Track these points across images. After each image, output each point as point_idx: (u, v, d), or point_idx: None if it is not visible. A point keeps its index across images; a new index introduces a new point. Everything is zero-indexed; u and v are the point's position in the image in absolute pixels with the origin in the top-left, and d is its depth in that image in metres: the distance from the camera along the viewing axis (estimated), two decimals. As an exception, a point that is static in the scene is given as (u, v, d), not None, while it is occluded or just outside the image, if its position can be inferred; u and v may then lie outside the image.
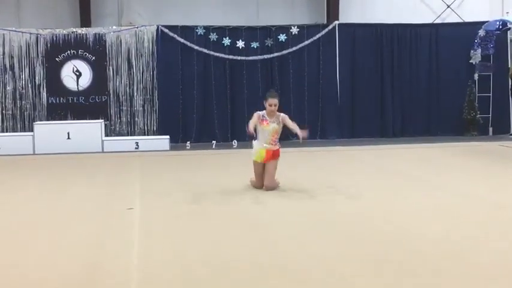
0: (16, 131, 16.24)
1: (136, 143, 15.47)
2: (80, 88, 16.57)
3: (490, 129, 17.65)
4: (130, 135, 16.49)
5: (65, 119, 16.30)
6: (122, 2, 18.65)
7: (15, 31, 16.49)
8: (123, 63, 16.63)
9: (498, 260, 5.37)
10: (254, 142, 9.35)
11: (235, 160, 13.38)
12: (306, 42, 17.05)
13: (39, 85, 16.46)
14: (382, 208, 7.76)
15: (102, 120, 16.11)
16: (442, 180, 9.96)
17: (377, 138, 17.05)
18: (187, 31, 16.83)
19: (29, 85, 16.42)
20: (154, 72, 16.69)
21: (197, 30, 16.79)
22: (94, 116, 16.26)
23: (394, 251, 5.72)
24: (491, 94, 17.61)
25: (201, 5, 18.66)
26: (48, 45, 16.44)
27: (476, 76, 17.44)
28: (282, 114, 9.33)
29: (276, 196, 8.65)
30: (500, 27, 17.10)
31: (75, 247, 6.06)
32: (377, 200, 8.28)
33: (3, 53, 16.35)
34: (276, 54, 16.93)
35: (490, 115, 17.62)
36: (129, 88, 16.66)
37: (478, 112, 17.28)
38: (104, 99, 16.61)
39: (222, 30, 16.92)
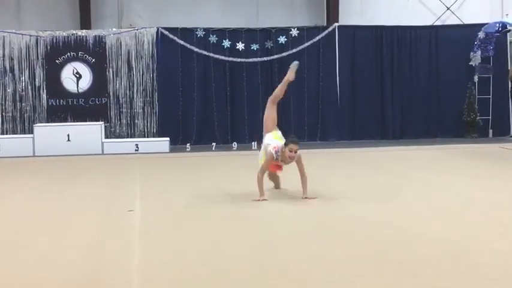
0: (16, 133, 16.22)
1: (136, 145, 15.46)
2: (80, 90, 16.57)
3: (490, 131, 17.64)
4: (130, 137, 16.48)
5: (65, 121, 16.29)
6: (122, 4, 18.65)
7: (15, 33, 16.49)
8: (123, 65, 16.63)
9: (499, 261, 5.36)
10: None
11: (235, 162, 13.39)
12: (306, 44, 17.05)
13: (39, 87, 16.45)
14: (382, 209, 7.76)
15: (102, 122, 16.10)
16: (443, 181, 9.96)
17: (377, 140, 17.04)
18: (187, 33, 16.83)
19: (29, 87, 16.41)
20: (154, 74, 16.68)
21: (197, 32, 16.80)
22: (94, 118, 16.25)
23: (395, 251, 5.72)
24: (491, 96, 17.60)
25: (201, 7, 18.65)
26: (48, 47, 16.44)
27: (476, 78, 17.44)
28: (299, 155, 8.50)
29: (276, 197, 8.65)
30: (500, 29, 17.10)
31: (75, 248, 6.06)
32: (377, 201, 8.28)
33: (3, 55, 16.34)
34: (275, 56, 16.93)
35: (490, 117, 17.62)
36: (129, 90, 16.66)
37: (478, 114, 17.28)
38: (103, 101, 16.61)
39: (222, 32, 16.92)
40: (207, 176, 11.12)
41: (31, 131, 15.72)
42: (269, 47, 17.03)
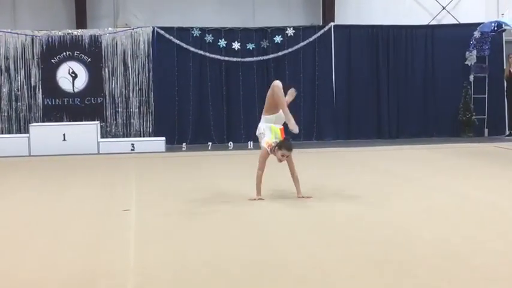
0: (12, 133, 16.19)
1: (132, 144, 15.44)
2: (76, 90, 16.55)
3: (486, 130, 17.68)
4: (126, 136, 16.47)
5: (61, 120, 16.28)
6: (118, 3, 18.62)
7: (10, 32, 16.46)
8: (119, 64, 16.61)
9: (496, 261, 5.37)
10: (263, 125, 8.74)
11: (231, 161, 13.40)
12: (302, 44, 17.05)
13: (35, 87, 16.43)
14: (379, 209, 7.77)
15: (98, 121, 16.08)
16: (439, 181, 9.97)
17: (373, 140, 17.05)
18: (183, 33, 16.82)
19: (25, 87, 16.39)
20: (150, 74, 16.67)
21: (193, 32, 16.79)
22: (90, 118, 16.24)
23: (392, 251, 5.72)
24: (486, 95, 17.63)
25: (196, 6, 18.64)
26: (44, 46, 16.42)
27: (471, 77, 17.46)
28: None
29: (274, 197, 8.64)
30: (496, 28, 17.11)
31: (71, 248, 6.04)
32: (374, 201, 8.28)
33: (-1, 55, 16.35)
34: (271, 55, 16.93)
35: (486, 116, 17.65)
36: (125, 90, 16.65)
37: (474, 113, 17.30)
38: (99, 101, 16.59)
39: (217, 32, 16.92)
40: (203, 175, 11.12)
41: (27, 131, 15.69)
42: (265, 46, 17.03)
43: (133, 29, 16.82)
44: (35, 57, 16.41)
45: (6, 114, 16.37)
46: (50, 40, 16.44)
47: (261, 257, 5.61)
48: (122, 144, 15.55)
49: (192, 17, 18.08)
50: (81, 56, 16.50)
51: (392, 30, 17.58)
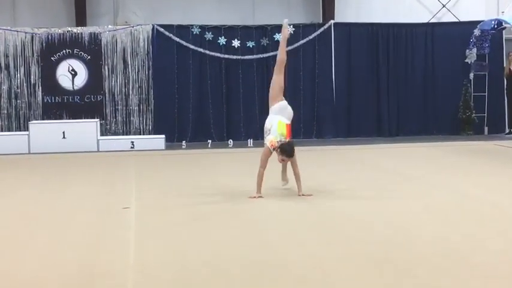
0: (11, 130, 16.19)
1: (132, 142, 15.44)
2: (76, 87, 16.54)
3: (486, 128, 17.67)
4: (126, 134, 16.46)
5: (61, 118, 16.26)
6: (118, 1, 18.61)
7: (10, 30, 16.44)
8: (119, 62, 16.60)
9: (497, 260, 5.36)
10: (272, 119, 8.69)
11: (231, 159, 13.38)
12: (302, 42, 17.04)
13: (35, 84, 16.42)
14: (379, 207, 7.75)
15: (98, 119, 16.07)
16: (439, 179, 9.97)
17: (373, 138, 17.05)
18: (182, 30, 16.81)
19: (25, 84, 16.38)
20: (150, 72, 16.66)
21: (193, 30, 16.77)
22: (89, 115, 16.23)
23: (393, 250, 5.71)
24: (486, 93, 17.63)
25: (196, 4, 18.63)
26: (44, 44, 16.40)
27: (471, 75, 17.45)
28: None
29: (274, 195, 8.63)
30: (496, 26, 17.11)
31: (71, 247, 6.03)
32: (374, 200, 8.27)
33: (-2, 52, 16.34)
34: (271, 53, 16.87)
35: (486, 114, 17.64)
36: (125, 87, 16.64)
37: (474, 111, 17.30)
38: (99, 99, 16.58)
39: (217, 30, 16.90)
40: (203, 173, 11.11)
41: (26, 128, 15.68)
42: (265, 44, 17.01)
43: (133, 26, 16.81)
44: (35, 54, 16.41)
45: (5, 111, 16.36)
46: (50, 38, 16.42)
47: (260, 256, 5.60)
48: (121, 142, 15.55)
49: (191, 15, 18.07)
50: (81, 54, 16.49)
51: (392, 28, 17.57)
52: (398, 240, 6.09)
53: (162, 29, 16.67)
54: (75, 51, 16.48)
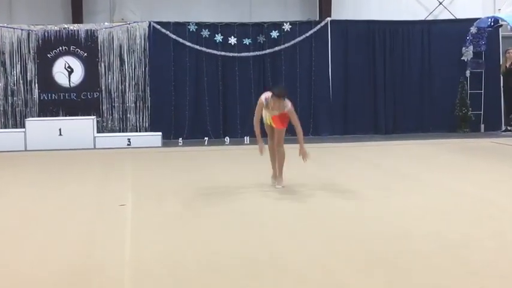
0: (7, 128, 16.15)
1: (129, 139, 15.43)
2: (72, 84, 16.51)
3: (482, 125, 17.67)
4: (123, 131, 16.44)
5: (57, 115, 16.23)
6: (114, -2, 18.62)
7: (6, 27, 16.41)
8: (115, 59, 16.57)
9: (493, 258, 5.38)
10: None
11: (227, 157, 13.38)
12: (298, 39, 17.02)
13: (31, 81, 16.38)
14: (375, 205, 7.77)
15: (94, 116, 16.05)
16: (434, 176, 9.98)
17: (369, 135, 17.04)
18: (179, 27, 16.78)
19: (21, 81, 16.34)
20: (147, 69, 16.64)
21: (189, 27, 16.75)
22: (86, 113, 16.19)
23: (388, 248, 5.72)
24: (483, 91, 17.62)
25: (193, 1, 18.64)
26: (40, 41, 16.37)
27: (468, 73, 17.44)
28: (289, 103, 8.78)
29: (271, 193, 8.65)
30: (492, 24, 17.13)
31: (67, 244, 6.04)
32: (370, 197, 8.29)
33: (-5, 49, 16.31)
34: (268, 50, 16.90)
35: (482, 112, 17.64)
36: (121, 84, 16.61)
37: (470, 109, 17.30)
38: (95, 96, 16.56)
39: (214, 27, 16.88)
40: (200, 171, 11.11)
41: (23, 126, 15.65)
42: (261, 41, 17.00)
43: (129, 23, 16.78)
44: (31, 51, 16.36)
45: (2, 108, 16.31)
46: (46, 35, 16.39)
47: (257, 253, 5.61)
48: (118, 139, 15.54)
49: (188, 12, 18.08)
50: (78, 51, 16.46)
51: (389, 26, 17.55)
52: (394, 237, 6.11)
53: (158, 26, 16.65)
54: (71, 48, 16.45)
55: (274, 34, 16.97)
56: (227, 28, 16.91)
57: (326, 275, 4.98)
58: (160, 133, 15.75)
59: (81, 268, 5.22)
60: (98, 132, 15.79)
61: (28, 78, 16.36)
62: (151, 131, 16.34)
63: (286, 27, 17.03)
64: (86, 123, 15.49)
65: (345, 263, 5.27)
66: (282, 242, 6.02)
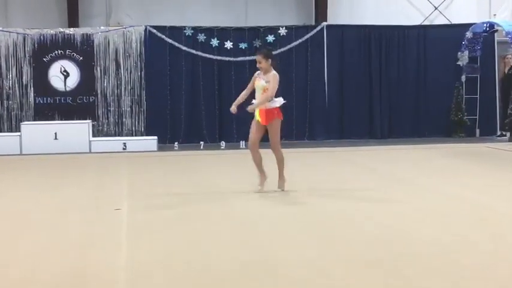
0: (3, 131, 16.13)
1: (124, 143, 15.41)
2: (68, 88, 16.50)
3: (477, 130, 17.70)
4: (118, 135, 16.42)
5: (52, 119, 16.21)
6: (110, 2, 18.60)
7: (2, 31, 16.38)
8: (111, 63, 16.56)
9: (487, 261, 5.39)
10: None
11: (223, 161, 13.38)
12: (294, 43, 17.04)
13: (27, 85, 16.36)
14: (371, 209, 7.78)
15: (90, 120, 16.03)
16: (430, 181, 9.99)
17: (365, 140, 17.05)
18: (175, 32, 16.79)
19: (16, 85, 16.32)
20: (142, 73, 16.63)
21: (185, 31, 16.76)
22: (81, 117, 16.17)
23: (383, 251, 5.73)
24: (478, 96, 17.65)
25: (189, 5, 18.63)
26: (36, 45, 16.35)
27: (463, 78, 17.48)
28: (273, 73, 9.05)
29: (265, 197, 8.65)
30: (488, 29, 17.17)
31: (63, 247, 6.04)
32: (366, 201, 8.30)
33: (-10, 53, 16.28)
34: (264, 55, 16.88)
35: (477, 117, 17.67)
36: (117, 89, 16.60)
37: (466, 114, 17.34)
38: (91, 100, 16.54)
39: (210, 31, 16.89)
40: (195, 175, 11.11)
41: (18, 129, 15.62)
42: (257, 45, 16.97)
43: (125, 27, 16.78)
44: (27, 55, 16.35)
45: (-3, 112, 16.32)
46: (42, 38, 16.38)
47: (252, 256, 5.62)
48: (113, 143, 15.52)
49: (184, 16, 18.07)
50: (73, 55, 16.45)
51: (385, 30, 17.59)
52: (389, 241, 6.11)
53: (154, 31, 16.65)
54: (67, 52, 16.44)
55: (270, 38, 16.98)
56: (223, 32, 16.91)
57: (324, 279, 4.98)
58: (156, 137, 15.74)
59: (77, 271, 5.21)
60: (93, 136, 15.77)
61: (24, 82, 16.34)
62: (147, 135, 16.33)
63: (282, 31, 17.05)
64: (82, 127, 15.47)
65: (343, 267, 5.27)
66: (279, 245, 6.02)
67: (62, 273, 5.16)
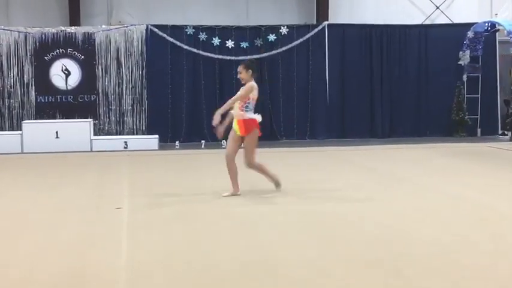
0: (4, 130, 16.15)
1: (125, 142, 15.43)
2: (69, 87, 16.51)
3: (478, 130, 17.72)
4: (119, 134, 16.44)
5: (54, 118, 16.24)
6: (112, 1, 18.62)
7: (3, 29, 16.40)
8: (112, 62, 16.58)
9: (488, 261, 5.38)
10: None
11: (223, 160, 13.34)
12: (296, 43, 17.06)
13: (28, 84, 16.39)
14: (371, 209, 7.77)
15: (91, 119, 16.04)
16: (431, 180, 9.98)
17: (366, 139, 17.06)
18: (176, 31, 16.80)
19: (18, 84, 16.34)
20: (144, 72, 16.65)
21: (187, 30, 16.77)
22: (83, 115, 16.20)
23: (383, 251, 5.73)
24: (479, 95, 17.66)
25: (190, 4, 18.65)
26: (37, 43, 16.37)
27: (464, 77, 17.49)
28: (250, 83, 8.72)
29: (266, 197, 8.65)
30: (489, 28, 17.16)
31: (63, 246, 6.04)
32: (366, 201, 8.29)
33: (-8, 52, 16.30)
34: (265, 54, 16.92)
35: (479, 116, 17.68)
36: (118, 87, 16.62)
37: (467, 113, 17.34)
38: (92, 99, 16.56)
39: (211, 30, 16.90)
40: (196, 174, 11.11)
41: (19, 128, 15.64)
42: (258, 44, 17.02)
43: (127, 26, 16.80)
44: (28, 54, 16.37)
45: (-2, 111, 16.34)
46: (43, 37, 16.40)
47: (252, 255, 5.62)
48: (114, 142, 15.53)
49: (185, 15, 18.09)
50: (75, 54, 16.47)
51: (386, 30, 17.59)
52: (389, 241, 6.11)
53: (156, 29, 16.66)
54: (68, 51, 16.45)
55: (272, 37, 16.99)
56: (224, 31, 16.93)
57: (324, 279, 4.98)
58: (157, 136, 15.76)
59: (78, 270, 5.21)
60: (94, 135, 15.78)
61: (25, 81, 16.37)
62: (148, 134, 16.35)
63: (284, 30, 17.05)
64: (83, 126, 15.48)
65: (343, 267, 5.27)
66: (279, 245, 6.02)
67: (62, 273, 5.16)
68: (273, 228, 6.81)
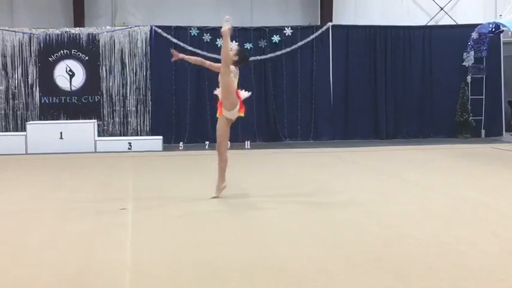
0: (8, 131, 16.18)
1: (129, 143, 15.43)
2: (73, 88, 16.54)
3: (483, 131, 17.69)
4: (123, 135, 16.46)
5: (58, 118, 16.26)
6: (116, 2, 18.62)
7: (8, 30, 16.44)
8: (116, 63, 16.61)
9: (489, 263, 5.38)
10: None
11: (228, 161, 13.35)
12: (300, 44, 17.06)
13: (32, 85, 16.42)
14: (374, 210, 7.77)
15: (95, 120, 16.07)
16: (434, 182, 9.97)
17: (370, 140, 17.06)
18: (180, 32, 16.82)
19: (22, 85, 16.37)
20: (148, 73, 16.66)
21: (191, 31, 16.78)
22: (87, 116, 16.22)
23: (386, 252, 5.72)
24: (483, 96, 17.64)
25: (195, 5, 18.64)
26: (41, 44, 16.40)
27: (469, 78, 17.46)
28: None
29: (271, 197, 8.65)
30: (493, 29, 17.14)
31: (67, 246, 6.05)
32: (369, 202, 8.28)
33: (-4, 52, 16.33)
34: (269, 55, 16.93)
35: (483, 117, 17.66)
36: (122, 88, 16.64)
37: (471, 114, 17.32)
38: (97, 99, 16.58)
39: (215, 31, 16.84)
40: (200, 175, 11.11)
41: (24, 129, 15.67)
42: (263, 46, 17.03)
43: (131, 27, 16.81)
44: (33, 55, 16.40)
45: (3, 112, 16.36)
46: (48, 38, 16.42)
47: (257, 257, 5.62)
48: (119, 143, 15.54)
49: (189, 16, 18.08)
50: (79, 55, 16.49)
51: (390, 31, 17.59)
52: (394, 241, 6.11)
53: (160, 30, 16.68)
54: (73, 52, 16.48)
55: (276, 39, 16.99)
56: (228, 32, 16.89)
57: (324, 279, 4.98)
58: (161, 137, 15.76)
59: (82, 271, 5.22)
60: (98, 135, 15.80)
61: (29, 82, 16.40)
62: (152, 134, 16.36)
63: (288, 31, 17.06)
64: (87, 127, 15.50)
65: (344, 267, 5.27)
66: (281, 245, 6.02)
67: (66, 273, 5.17)
68: (275, 228, 6.81)
